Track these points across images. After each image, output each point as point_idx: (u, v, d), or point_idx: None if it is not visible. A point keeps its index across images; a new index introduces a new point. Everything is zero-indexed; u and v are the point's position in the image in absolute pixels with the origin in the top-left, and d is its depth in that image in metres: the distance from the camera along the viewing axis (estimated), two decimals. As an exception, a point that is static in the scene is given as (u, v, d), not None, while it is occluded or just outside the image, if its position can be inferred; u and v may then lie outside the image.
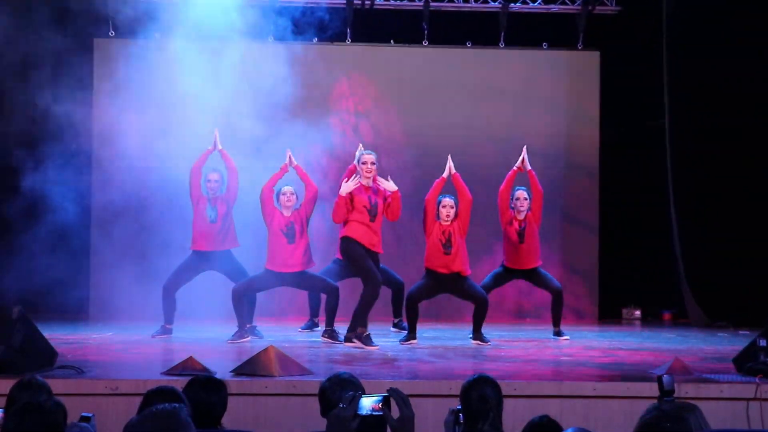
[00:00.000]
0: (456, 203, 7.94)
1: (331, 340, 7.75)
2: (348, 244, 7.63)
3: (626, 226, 11.27)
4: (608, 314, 11.11)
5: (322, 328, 8.16)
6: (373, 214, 7.64)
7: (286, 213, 7.95)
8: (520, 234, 8.36)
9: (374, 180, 7.72)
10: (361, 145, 8.44)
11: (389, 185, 7.72)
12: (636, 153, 11.19)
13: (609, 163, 11.21)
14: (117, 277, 10.01)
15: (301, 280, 7.95)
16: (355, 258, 7.61)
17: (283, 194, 7.97)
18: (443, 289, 8.01)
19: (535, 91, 11.07)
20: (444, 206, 7.90)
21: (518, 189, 8.47)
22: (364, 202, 7.62)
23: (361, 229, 7.61)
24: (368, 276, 7.55)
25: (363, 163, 7.70)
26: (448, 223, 7.89)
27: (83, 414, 3.59)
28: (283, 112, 9.31)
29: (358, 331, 7.55)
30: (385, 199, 7.72)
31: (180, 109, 9.40)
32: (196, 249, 8.22)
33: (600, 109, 11.14)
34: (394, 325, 9.04)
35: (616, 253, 11.20)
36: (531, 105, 11.05)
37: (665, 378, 4.13)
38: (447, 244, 7.82)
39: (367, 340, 7.50)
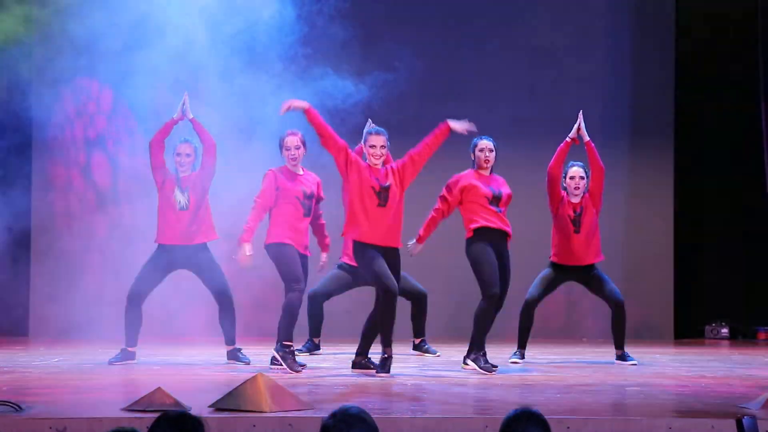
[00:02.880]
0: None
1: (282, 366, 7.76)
2: (356, 249, 7.67)
3: (711, 220, 11.27)
4: (687, 332, 11.13)
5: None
6: (383, 198, 7.64)
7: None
8: (576, 221, 8.41)
9: (387, 161, 7.77)
10: (369, 120, 8.48)
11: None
12: (723, 119, 11.20)
13: (687, 135, 11.23)
14: (63, 291, 10.09)
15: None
16: (364, 263, 7.64)
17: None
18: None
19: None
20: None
21: (573, 165, 8.49)
22: (372, 183, 7.63)
23: (367, 223, 7.61)
24: (380, 283, 7.54)
25: (371, 146, 7.70)
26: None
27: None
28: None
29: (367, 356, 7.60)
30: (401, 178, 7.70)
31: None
32: (162, 243, 8.22)
33: (675, 66, 11.19)
34: (416, 347, 9.05)
35: (697, 254, 11.20)
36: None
37: (746, 421, 3.96)
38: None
39: (389, 364, 7.51)
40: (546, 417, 3.89)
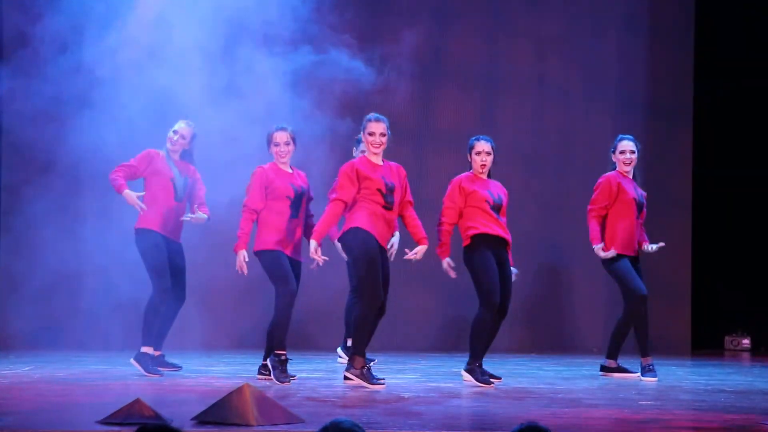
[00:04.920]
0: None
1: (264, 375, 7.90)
2: (355, 236, 7.73)
3: (732, 225, 11.31)
4: (705, 343, 11.17)
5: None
6: (389, 201, 7.73)
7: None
8: (639, 203, 8.52)
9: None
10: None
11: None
12: (746, 116, 11.27)
13: (706, 134, 11.29)
14: (32, 293, 10.14)
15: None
16: (357, 256, 7.72)
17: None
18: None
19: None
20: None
21: (622, 138, 8.66)
22: (378, 185, 7.71)
23: (374, 219, 7.70)
24: (364, 287, 7.66)
25: (370, 134, 7.80)
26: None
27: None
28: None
29: (355, 364, 7.68)
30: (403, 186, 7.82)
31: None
32: (153, 229, 8.29)
33: (695, 59, 11.25)
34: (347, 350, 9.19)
35: (716, 261, 11.24)
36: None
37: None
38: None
39: (367, 376, 7.61)
40: (552, 432, 3.94)
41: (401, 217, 7.92)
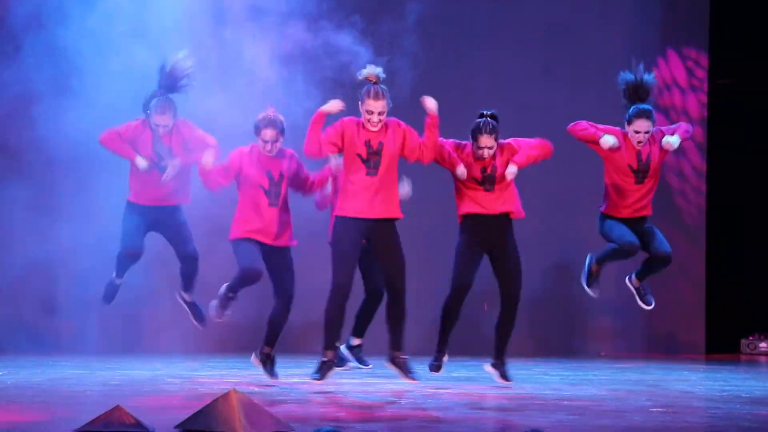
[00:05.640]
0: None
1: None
2: (334, 229, 7.88)
3: (748, 218, 11.28)
4: (720, 347, 11.14)
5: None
6: (373, 165, 7.66)
7: None
8: (641, 166, 8.34)
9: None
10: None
11: (429, 104, 7.80)
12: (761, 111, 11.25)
13: (720, 132, 11.25)
14: (2, 292, 10.11)
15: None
16: (332, 250, 7.87)
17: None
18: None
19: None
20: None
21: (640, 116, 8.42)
22: (358, 149, 7.64)
23: (351, 196, 7.66)
24: (333, 277, 7.78)
25: (368, 112, 7.72)
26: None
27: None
28: None
29: (327, 355, 7.85)
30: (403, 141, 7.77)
31: None
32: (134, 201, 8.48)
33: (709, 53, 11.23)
34: (351, 349, 9.20)
35: (732, 258, 11.20)
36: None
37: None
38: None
39: (325, 369, 7.80)
40: (559, 442, 3.87)
41: (424, 150, 7.78)
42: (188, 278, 8.61)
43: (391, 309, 7.92)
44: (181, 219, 8.55)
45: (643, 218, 8.45)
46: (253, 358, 8.02)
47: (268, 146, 7.97)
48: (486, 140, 7.95)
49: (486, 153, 7.95)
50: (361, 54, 8.71)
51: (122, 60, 9.20)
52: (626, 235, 8.29)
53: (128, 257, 8.44)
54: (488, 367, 8.15)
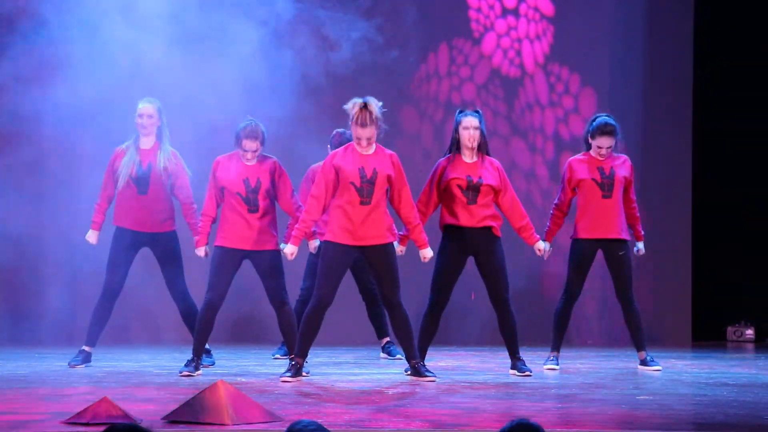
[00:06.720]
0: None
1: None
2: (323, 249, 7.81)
3: (732, 209, 11.31)
4: (707, 334, 11.16)
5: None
6: (365, 193, 7.62)
7: None
8: (603, 184, 8.46)
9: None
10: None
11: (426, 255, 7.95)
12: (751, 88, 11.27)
13: (707, 115, 11.27)
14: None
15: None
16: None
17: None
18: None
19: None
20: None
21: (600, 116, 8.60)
22: (353, 177, 7.59)
23: (339, 225, 7.64)
24: (318, 287, 7.74)
25: (357, 138, 7.65)
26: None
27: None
28: None
29: (295, 360, 7.76)
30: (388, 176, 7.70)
31: None
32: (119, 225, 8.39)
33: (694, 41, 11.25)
34: (384, 349, 9.24)
35: (717, 248, 11.22)
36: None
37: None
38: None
39: (296, 371, 7.72)
40: (546, 430, 3.90)
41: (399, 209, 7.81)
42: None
43: (393, 323, 7.88)
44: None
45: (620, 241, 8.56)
46: (282, 379, 7.73)
47: (248, 155, 7.97)
48: (470, 120, 8.01)
49: (472, 132, 7.99)
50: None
51: (108, 39, 9.16)
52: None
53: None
54: (511, 372, 8.14)
